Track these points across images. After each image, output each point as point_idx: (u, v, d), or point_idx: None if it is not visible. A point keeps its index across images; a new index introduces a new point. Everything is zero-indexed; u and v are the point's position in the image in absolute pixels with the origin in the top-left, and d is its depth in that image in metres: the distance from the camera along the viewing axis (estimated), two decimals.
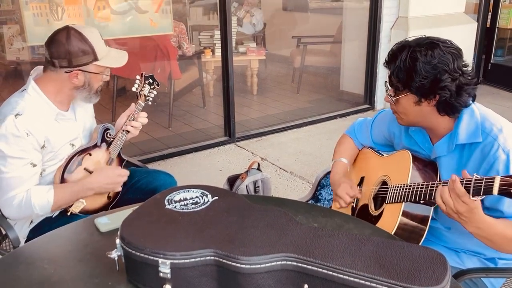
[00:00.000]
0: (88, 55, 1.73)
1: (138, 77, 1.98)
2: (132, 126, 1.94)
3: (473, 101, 1.48)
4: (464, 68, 1.44)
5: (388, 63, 1.51)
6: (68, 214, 1.82)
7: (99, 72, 1.78)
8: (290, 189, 3.44)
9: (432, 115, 1.48)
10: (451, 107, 1.44)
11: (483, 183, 1.20)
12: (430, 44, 1.43)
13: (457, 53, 1.45)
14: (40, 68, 1.84)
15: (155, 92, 2.01)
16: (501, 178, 1.17)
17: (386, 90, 1.56)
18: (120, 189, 1.94)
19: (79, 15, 3.51)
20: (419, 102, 1.46)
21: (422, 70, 1.40)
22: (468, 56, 5.47)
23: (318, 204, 2.26)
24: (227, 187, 2.73)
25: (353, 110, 5.10)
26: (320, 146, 4.18)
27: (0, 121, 1.67)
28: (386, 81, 1.56)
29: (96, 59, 1.75)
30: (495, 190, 1.17)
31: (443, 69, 1.40)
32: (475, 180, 1.23)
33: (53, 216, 1.85)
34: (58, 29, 1.76)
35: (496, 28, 6.16)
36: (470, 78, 1.45)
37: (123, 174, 1.90)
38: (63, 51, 1.71)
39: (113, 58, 1.81)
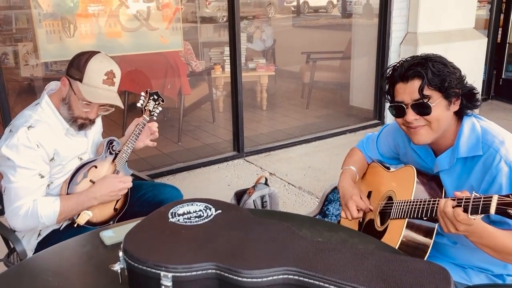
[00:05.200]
0: (78, 72, 1.77)
1: (143, 93, 2.02)
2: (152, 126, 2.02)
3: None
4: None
5: (413, 76, 1.46)
6: (75, 226, 1.85)
7: (76, 94, 1.78)
8: (299, 204, 3.42)
9: (450, 122, 1.50)
10: (474, 100, 1.50)
11: (481, 202, 1.19)
12: (436, 55, 1.51)
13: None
14: (54, 83, 1.90)
15: (160, 108, 2.04)
16: (498, 198, 1.16)
17: (416, 108, 1.49)
18: (121, 197, 1.95)
19: (90, 32, 3.58)
20: (449, 106, 1.48)
21: (452, 68, 1.47)
22: (479, 72, 5.45)
23: (326, 219, 2.25)
24: (234, 202, 2.73)
25: (362, 125, 5.09)
26: (329, 162, 4.17)
27: (13, 132, 1.72)
28: (403, 104, 1.50)
29: (80, 80, 1.77)
30: (492, 210, 1.16)
31: (460, 72, 1.51)
32: (474, 199, 1.22)
33: (61, 229, 1.87)
34: None
35: (507, 44, 6.14)
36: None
37: (125, 180, 1.92)
38: (72, 59, 1.82)
39: (94, 93, 1.78)
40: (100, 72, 1.78)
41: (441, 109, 1.47)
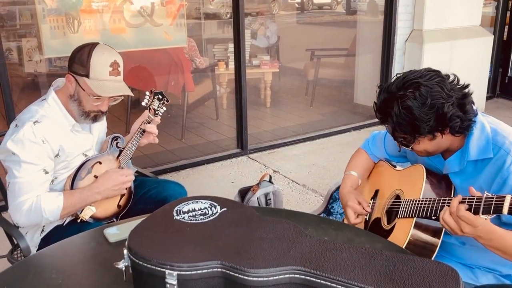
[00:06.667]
0: (83, 67, 1.76)
1: (147, 93, 2.01)
2: (148, 128, 1.97)
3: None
4: (452, 83, 1.41)
5: (383, 121, 1.47)
6: (78, 221, 1.84)
7: (85, 90, 1.78)
8: (303, 202, 3.41)
9: (447, 139, 1.45)
10: (466, 127, 1.41)
11: (493, 202, 1.17)
12: (412, 85, 1.37)
13: (439, 77, 1.40)
14: (61, 80, 1.90)
15: (164, 108, 2.03)
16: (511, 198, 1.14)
17: (397, 142, 1.52)
18: (125, 191, 1.95)
19: (94, 28, 3.57)
20: (434, 138, 1.42)
21: (423, 114, 1.35)
22: (485, 70, 5.42)
23: (330, 217, 2.23)
24: (238, 200, 2.72)
25: (367, 123, 5.06)
26: (334, 159, 4.15)
27: (19, 127, 1.72)
28: (389, 134, 1.52)
29: (87, 75, 1.76)
30: (505, 210, 1.14)
31: (440, 102, 1.35)
32: (485, 198, 1.19)
33: (64, 224, 1.86)
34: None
35: None
36: (460, 87, 1.42)
37: (127, 174, 1.90)
38: (72, 55, 1.80)
39: (103, 86, 1.77)
40: (105, 64, 1.77)
41: (423, 143, 1.45)
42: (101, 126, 2.02)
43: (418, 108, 1.35)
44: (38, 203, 1.72)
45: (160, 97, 2.03)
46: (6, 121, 3.22)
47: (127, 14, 3.66)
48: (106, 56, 1.77)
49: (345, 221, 1.76)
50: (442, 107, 1.35)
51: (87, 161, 1.87)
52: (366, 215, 1.75)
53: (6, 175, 1.77)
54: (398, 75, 1.46)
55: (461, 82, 1.44)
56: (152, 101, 2.01)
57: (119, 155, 1.95)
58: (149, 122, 1.99)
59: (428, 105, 1.34)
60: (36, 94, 3.93)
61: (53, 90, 1.84)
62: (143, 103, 2.01)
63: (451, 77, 1.43)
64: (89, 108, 1.82)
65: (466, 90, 1.43)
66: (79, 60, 1.76)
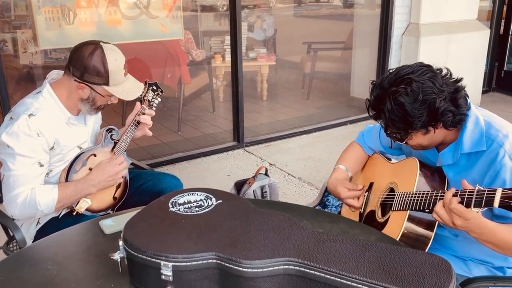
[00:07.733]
0: (100, 77, 1.76)
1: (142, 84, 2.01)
2: (143, 119, 1.99)
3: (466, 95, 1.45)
4: (444, 78, 1.41)
5: (376, 117, 1.47)
6: (74, 213, 1.84)
7: (104, 95, 1.81)
8: (298, 195, 3.42)
9: (441, 132, 1.45)
10: (459, 121, 1.42)
11: (485, 195, 1.18)
12: (404, 81, 1.37)
13: (430, 71, 1.40)
14: (55, 72, 1.90)
15: (159, 99, 2.04)
16: (502, 191, 1.15)
17: (390, 137, 1.52)
18: (121, 180, 1.96)
19: (90, 20, 3.55)
20: (427, 132, 1.43)
21: (415, 110, 1.35)
22: (481, 63, 5.42)
23: (326, 210, 2.24)
24: (234, 192, 2.73)
25: (363, 116, 5.06)
26: (330, 152, 4.16)
27: (14, 120, 1.71)
28: (383, 130, 1.52)
29: (106, 84, 1.77)
30: (496, 203, 1.15)
31: (432, 98, 1.35)
32: (477, 192, 1.21)
33: (60, 217, 1.86)
34: (90, 40, 1.81)
35: (510, 35, 6.10)
36: (453, 81, 1.42)
37: (120, 162, 1.90)
38: (80, 63, 1.75)
39: (124, 90, 1.82)
40: (120, 69, 1.80)
41: (416, 137, 1.45)
42: (96, 118, 2.02)
43: (410, 104, 1.35)
44: (33, 196, 1.72)
45: (155, 88, 2.03)
46: (1, 113, 3.21)
47: (123, 6, 3.64)
48: (119, 62, 1.79)
49: (343, 213, 1.77)
50: (434, 102, 1.35)
51: (81, 153, 1.87)
52: (365, 206, 1.77)
53: (1, 167, 1.77)
54: (390, 71, 1.46)
55: (454, 76, 1.44)
56: (147, 92, 2.01)
57: (113, 147, 1.95)
58: (143, 113, 1.98)
59: (420, 101, 1.35)
60: (31, 86, 3.91)
61: (48, 82, 1.83)
62: None
63: (444, 71, 1.43)
64: (100, 104, 1.87)
65: (459, 84, 1.43)
66: (94, 71, 1.74)
